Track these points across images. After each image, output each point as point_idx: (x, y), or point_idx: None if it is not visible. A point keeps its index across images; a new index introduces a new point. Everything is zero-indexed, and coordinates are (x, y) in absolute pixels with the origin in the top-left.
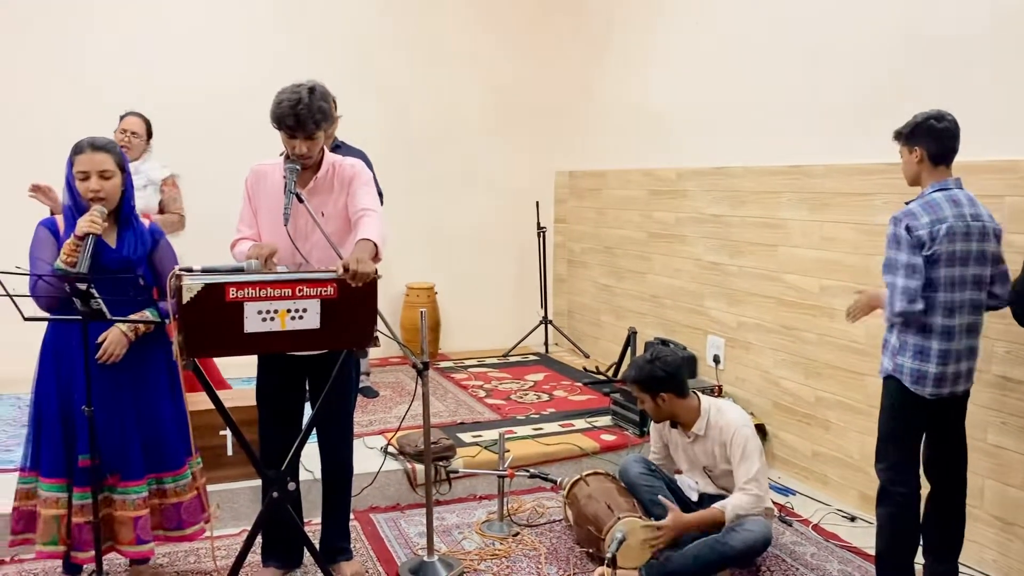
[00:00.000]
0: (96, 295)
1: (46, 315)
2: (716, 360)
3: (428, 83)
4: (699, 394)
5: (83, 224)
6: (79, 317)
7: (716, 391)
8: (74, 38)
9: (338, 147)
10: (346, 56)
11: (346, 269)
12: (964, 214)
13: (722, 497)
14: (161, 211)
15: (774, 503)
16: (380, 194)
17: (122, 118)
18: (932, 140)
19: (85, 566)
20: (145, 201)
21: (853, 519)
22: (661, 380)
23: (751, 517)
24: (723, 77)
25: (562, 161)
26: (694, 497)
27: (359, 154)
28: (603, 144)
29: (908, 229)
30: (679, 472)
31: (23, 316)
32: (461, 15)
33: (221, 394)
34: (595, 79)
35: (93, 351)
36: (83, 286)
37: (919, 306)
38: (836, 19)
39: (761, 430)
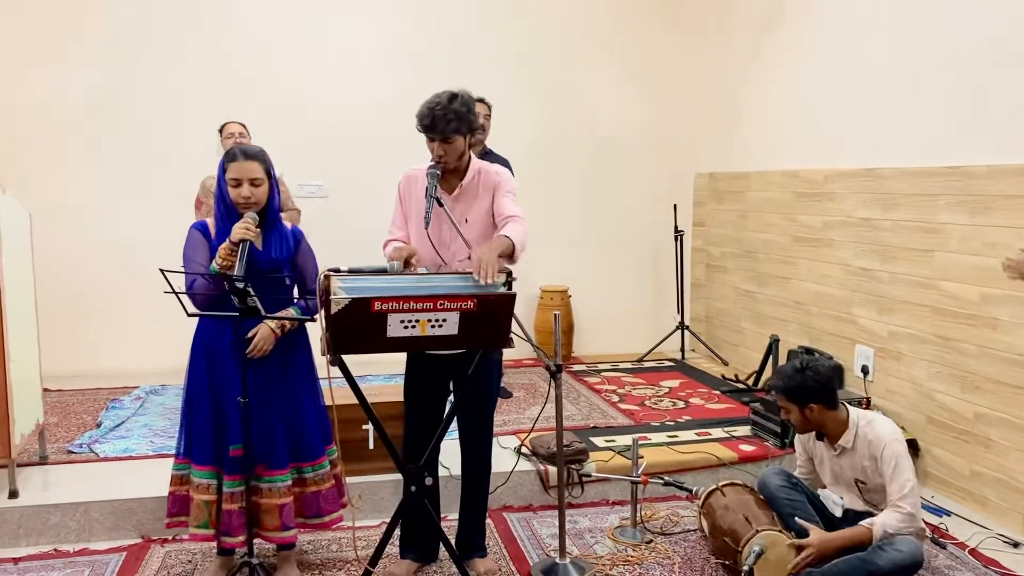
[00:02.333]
0: (252, 293)
1: (209, 312)
2: (864, 371)
3: (568, 84)
4: (847, 406)
5: (238, 231)
6: (236, 313)
7: (864, 403)
8: (235, 45)
9: (486, 154)
10: (491, 60)
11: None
12: None
13: (868, 514)
14: (281, 209)
15: (927, 524)
16: None
17: (223, 128)
18: None
19: (237, 548)
20: None
21: (1017, 545)
22: (812, 391)
23: (901, 536)
24: (874, 74)
25: (702, 163)
26: (838, 513)
27: (504, 161)
28: (745, 145)
29: None
30: (823, 487)
31: (187, 312)
32: (604, 14)
33: (365, 390)
34: (738, 79)
35: (245, 345)
36: (241, 285)
37: None
38: (998, 10)
39: (913, 446)
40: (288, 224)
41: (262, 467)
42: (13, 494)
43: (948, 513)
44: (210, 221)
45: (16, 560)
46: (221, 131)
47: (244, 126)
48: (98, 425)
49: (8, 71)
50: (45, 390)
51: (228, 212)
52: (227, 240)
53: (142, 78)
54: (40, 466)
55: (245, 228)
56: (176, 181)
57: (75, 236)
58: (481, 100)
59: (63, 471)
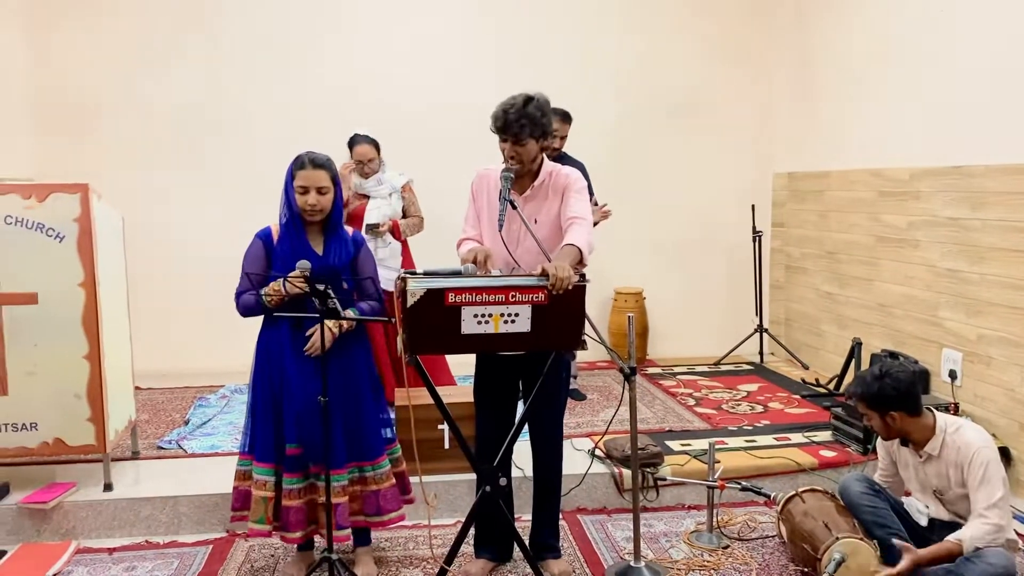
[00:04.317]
0: (332, 295)
1: (290, 313)
2: (952, 376)
3: (643, 83)
4: (934, 411)
5: (295, 292)
6: (295, 315)
7: (952, 409)
8: (323, 49)
9: (560, 157)
10: (568, 60)
11: (545, 274)
12: None
13: (955, 524)
14: (404, 215)
15: (1018, 534)
16: (605, 205)
17: (353, 145)
18: None
19: (318, 543)
20: (392, 208)
21: None
22: (891, 398)
23: (991, 549)
24: (961, 67)
25: (781, 162)
26: (923, 522)
27: (579, 165)
28: (825, 144)
29: None
30: (907, 494)
31: (270, 313)
32: (677, 13)
33: (440, 390)
34: (817, 75)
35: (321, 346)
36: (321, 287)
37: None
38: None
39: (1004, 454)
40: (351, 230)
41: (319, 467)
42: (108, 487)
43: None
44: (274, 226)
45: (111, 550)
46: (351, 149)
47: (376, 145)
48: (186, 423)
49: (107, 77)
50: (136, 388)
51: (293, 218)
52: (281, 284)
53: (235, 83)
54: (132, 461)
55: (299, 285)
56: (266, 184)
57: (165, 238)
58: (565, 115)
59: (153, 466)
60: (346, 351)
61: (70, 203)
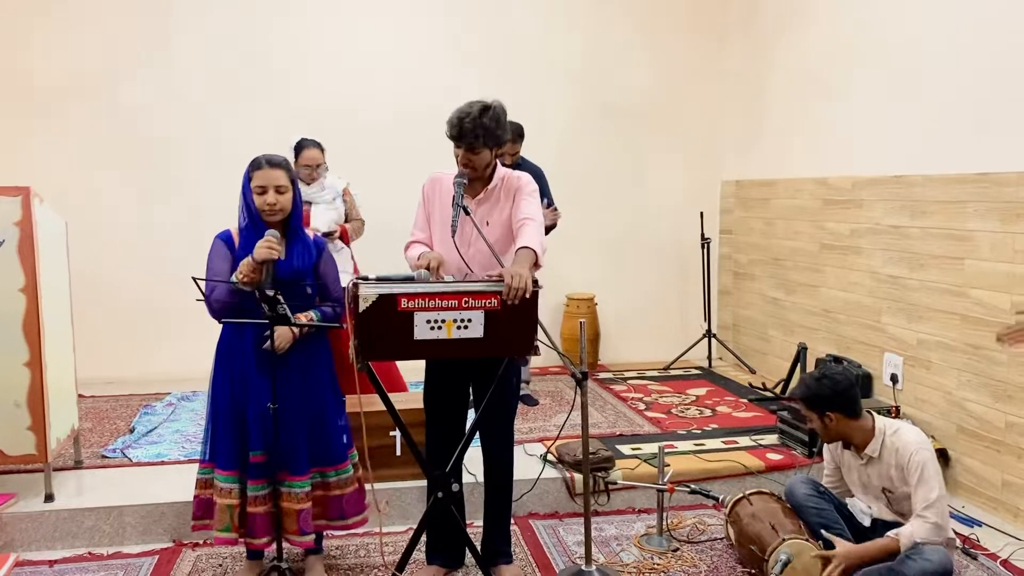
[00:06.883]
0: (282, 301)
1: (233, 319)
2: (894, 379)
3: (594, 91)
4: (873, 414)
5: (261, 251)
6: (263, 320)
7: (893, 412)
8: (279, 51)
9: (519, 164)
10: (518, 66)
11: (500, 278)
12: None
13: (897, 524)
14: (346, 219)
15: (957, 534)
16: (556, 208)
17: (300, 150)
18: None
19: (267, 552)
20: (338, 212)
21: None
22: (828, 399)
23: (929, 546)
24: (902, 79)
25: (729, 170)
26: (866, 522)
27: (537, 170)
28: (772, 152)
29: None
30: (851, 496)
31: (218, 320)
32: (629, 20)
33: (391, 396)
34: (765, 85)
35: (273, 353)
36: (271, 292)
37: None
38: None
39: (943, 455)
40: (311, 234)
41: (283, 473)
42: (49, 498)
43: (979, 523)
44: (234, 229)
45: (52, 563)
46: (298, 154)
47: (322, 149)
48: (131, 431)
49: (48, 81)
50: (79, 396)
51: (252, 221)
52: (250, 257)
53: (188, 85)
54: (75, 471)
55: (269, 248)
56: (208, 188)
57: (108, 244)
58: (517, 133)
59: (97, 475)
60: (308, 355)
61: (11, 206)
